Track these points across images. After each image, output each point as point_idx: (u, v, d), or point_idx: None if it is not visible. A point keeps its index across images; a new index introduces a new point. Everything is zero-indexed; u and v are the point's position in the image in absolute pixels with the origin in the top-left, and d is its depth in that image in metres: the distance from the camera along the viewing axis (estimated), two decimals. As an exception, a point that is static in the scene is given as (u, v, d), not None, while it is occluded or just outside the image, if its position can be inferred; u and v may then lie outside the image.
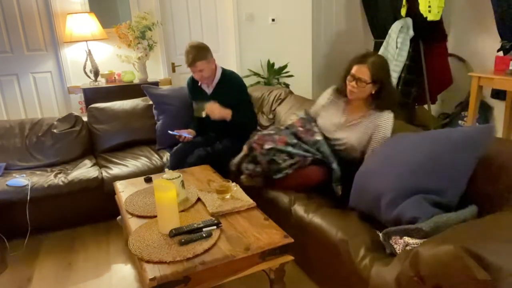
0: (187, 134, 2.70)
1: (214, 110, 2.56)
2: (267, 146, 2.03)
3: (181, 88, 3.18)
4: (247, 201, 1.89)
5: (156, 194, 1.60)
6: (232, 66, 4.29)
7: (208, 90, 2.75)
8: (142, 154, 2.85)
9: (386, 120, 1.98)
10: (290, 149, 2.03)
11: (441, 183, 1.51)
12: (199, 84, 2.78)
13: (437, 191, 1.51)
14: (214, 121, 2.73)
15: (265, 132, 2.16)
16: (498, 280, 0.97)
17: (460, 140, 1.56)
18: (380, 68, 1.96)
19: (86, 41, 3.47)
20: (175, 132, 2.67)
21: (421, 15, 3.42)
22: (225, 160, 2.57)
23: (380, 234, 1.55)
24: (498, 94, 3.61)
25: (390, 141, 1.83)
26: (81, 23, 3.38)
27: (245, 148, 2.18)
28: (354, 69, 1.99)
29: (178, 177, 1.89)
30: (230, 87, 2.72)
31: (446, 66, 3.85)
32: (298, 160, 2.02)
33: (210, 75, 2.67)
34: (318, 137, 2.12)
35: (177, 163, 2.55)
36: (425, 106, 3.99)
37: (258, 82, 4.25)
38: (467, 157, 1.53)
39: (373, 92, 2.00)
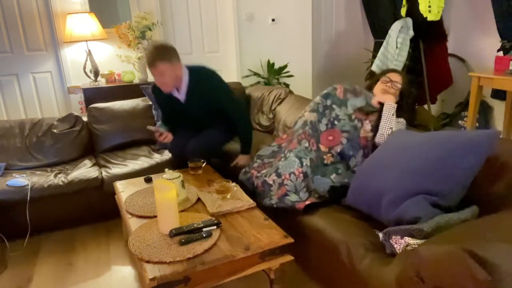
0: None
1: (242, 160, 2.52)
2: (263, 171, 2.10)
3: (181, 88, 3.18)
4: (247, 201, 1.89)
5: (156, 194, 1.60)
6: (232, 66, 4.30)
7: (181, 98, 2.46)
8: (142, 154, 2.85)
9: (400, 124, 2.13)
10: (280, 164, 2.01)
11: (444, 186, 1.51)
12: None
13: (439, 193, 1.50)
14: (194, 122, 2.58)
15: (266, 160, 2.23)
16: (498, 280, 0.97)
17: (465, 143, 1.55)
18: (407, 81, 2.22)
19: (86, 41, 3.48)
20: (154, 128, 2.47)
21: (421, 15, 3.42)
22: (216, 147, 2.60)
23: (380, 234, 1.55)
24: (498, 94, 3.61)
25: (393, 140, 1.83)
26: (81, 23, 3.38)
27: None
28: (391, 75, 2.22)
29: (178, 177, 1.89)
30: (203, 89, 2.41)
31: (446, 66, 3.85)
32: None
33: (173, 83, 2.32)
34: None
35: (179, 157, 2.57)
36: (425, 106, 3.99)
37: (258, 82, 4.25)
38: (471, 162, 1.52)
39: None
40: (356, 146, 2.06)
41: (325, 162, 2.06)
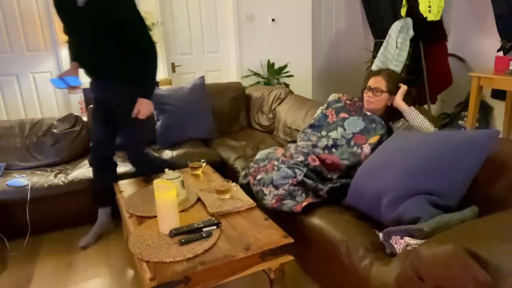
0: (75, 81, 2.20)
1: (142, 105, 2.12)
2: (258, 177, 2.06)
3: (180, 88, 3.18)
4: (247, 201, 1.89)
5: (156, 194, 1.60)
6: (232, 66, 4.30)
7: None
8: (142, 154, 2.85)
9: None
10: (275, 174, 1.97)
11: (443, 186, 1.51)
12: None
13: (439, 193, 1.50)
14: (85, 45, 2.11)
15: (261, 164, 2.14)
16: (498, 280, 0.97)
17: (465, 143, 1.55)
18: (395, 79, 2.10)
19: (86, 41, 3.47)
20: (60, 83, 2.17)
21: (421, 15, 3.42)
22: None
23: (380, 234, 1.55)
24: (498, 94, 3.61)
25: (392, 140, 1.83)
26: (81, 23, 3.38)
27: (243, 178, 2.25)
28: (370, 81, 2.12)
29: (178, 177, 1.89)
30: None
31: (446, 66, 3.85)
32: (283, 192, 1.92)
33: None
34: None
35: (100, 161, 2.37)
36: (425, 106, 3.99)
37: (258, 82, 4.25)
38: (470, 161, 1.52)
39: (389, 104, 2.10)
40: (357, 168, 2.00)
41: (324, 175, 2.04)
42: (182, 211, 1.83)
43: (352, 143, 2.07)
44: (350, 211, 1.80)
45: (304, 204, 1.83)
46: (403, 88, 2.05)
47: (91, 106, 2.44)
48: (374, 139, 2.03)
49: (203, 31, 4.13)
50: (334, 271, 1.71)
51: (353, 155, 2.04)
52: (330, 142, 2.10)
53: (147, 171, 2.32)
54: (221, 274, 1.50)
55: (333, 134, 2.14)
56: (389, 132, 2.04)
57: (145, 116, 2.15)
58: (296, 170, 1.94)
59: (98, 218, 2.47)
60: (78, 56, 2.22)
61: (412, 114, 1.97)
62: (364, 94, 2.14)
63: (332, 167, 2.04)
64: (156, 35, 3.74)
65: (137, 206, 1.91)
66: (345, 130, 2.12)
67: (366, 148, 2.02)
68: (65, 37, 2.30)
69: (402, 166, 1.61)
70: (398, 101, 2.03)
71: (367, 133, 2.06)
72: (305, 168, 1.96)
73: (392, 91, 2.07)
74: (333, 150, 2.08)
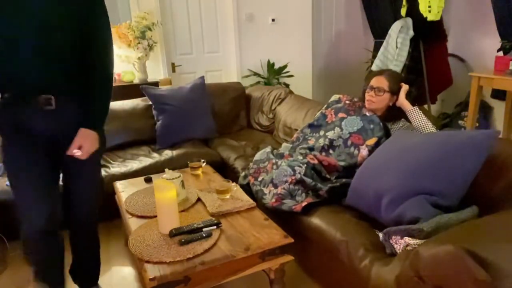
0: None
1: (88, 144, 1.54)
2: (260, 178, 2.07)
3: (180, 88, 3.18)
4: (247, 201, 1.89)
5: (156, 194, 1.60)
6: (232, 66, 4.30)
7: None
8: (142, 154, 2.85)
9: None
10: (274, 174, 1.98)
11: (443, 186, 1.51)
12: None
13: (439, 193, 1.50)
14: (26, 55, 1.43)
15: (261, 165, 2.14)
16: (498, 280, 0.97)
17: (465, 143, 1.55)
18: (397, 79, 2.09)
19: (86, 41, 3.47)
20: None
21: (421, 15, 3.42)
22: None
23: (380, 234, 1.55)
24: (498, 94, 3.61)
25: (392, 140, 1.83)
26: (81, 23, 3.38)
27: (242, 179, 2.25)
28: (373, 81, 2.11)
29: (178, 177, 1.90)
30: None
31: (446, 66, 3.85)
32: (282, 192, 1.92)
33: None
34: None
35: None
36: (425, 106, 3.99)
37: (258, 82, 4.25)
38: (470, 162, 1.52)
39: (390, 105, 2.09)
40: (354, 171, 1.98)
41: (323, 175, 2.03)
42: (182, 211, 1.83)
43: (349, 143, 2.06)
44: (350, 211, 1.80)
45: (304, 204, 1.83)
46: (405, 87, 2.05)
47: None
48: (371, 141, 2.01)
49: (203, 31, 4.13)
50: (334, 271, 1.71)
51: (350, 156, 2.03)
52: (327, 143, 2.09)
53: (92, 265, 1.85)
54: (221, 274, 1.50)
55: (330, 134, 2.13)
56: (387, 134, 2.02)
57: (87, 156, 1.52)
58: (296, 168, 1.94)
59: None
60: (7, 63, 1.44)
61: (415, 115, 1.97)
62: (366, 94, 2.13)
63: (329, 168, 2.04)
64: (156, 35, 3.74)
65: (137, 206, 1.91)
66: (342, 130, 2.10)
67: (364, 150, 2.00)
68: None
69: (402, 166, 1.61)
70: (402, 100, 2.03)
71: (365, 134, 2.05)
72: (305, 165, 1.96)
73: (394, 91, 2.06)
74: (330, 151, 2.07)
